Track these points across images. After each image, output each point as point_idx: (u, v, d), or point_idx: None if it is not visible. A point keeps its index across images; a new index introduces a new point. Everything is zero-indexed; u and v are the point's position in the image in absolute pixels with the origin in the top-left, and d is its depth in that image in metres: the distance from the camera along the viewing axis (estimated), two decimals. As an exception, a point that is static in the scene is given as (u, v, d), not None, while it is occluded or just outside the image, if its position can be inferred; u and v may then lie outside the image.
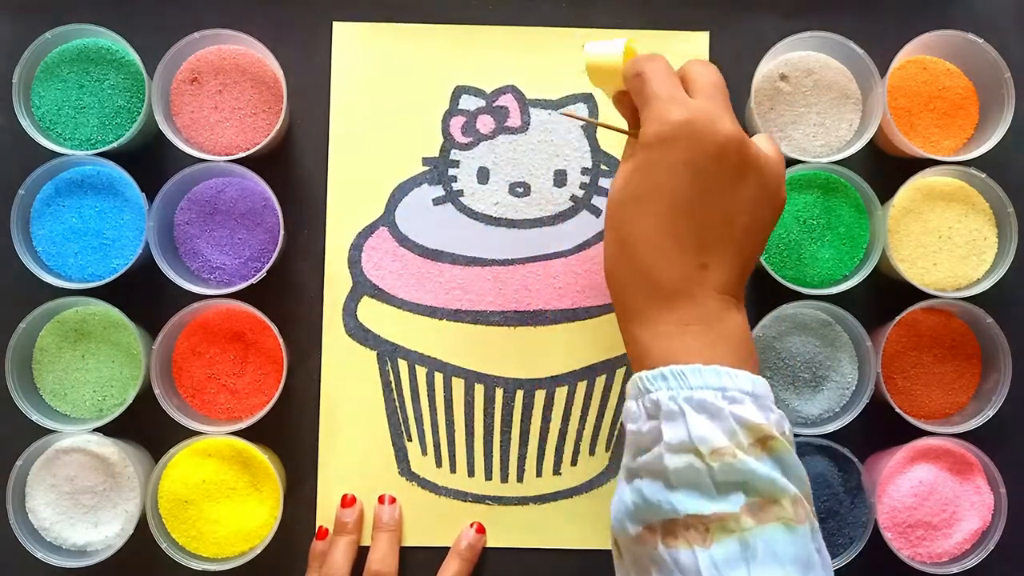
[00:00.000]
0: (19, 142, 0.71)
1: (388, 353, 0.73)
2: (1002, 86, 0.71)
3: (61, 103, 0.72)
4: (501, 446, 0.73)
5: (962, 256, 0.72)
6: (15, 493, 0.69)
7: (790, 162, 0.72)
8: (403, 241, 0.74)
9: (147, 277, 0.72)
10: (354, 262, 0.74)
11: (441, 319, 0.73)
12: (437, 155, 0.74)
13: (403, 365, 0.73)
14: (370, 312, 0.74)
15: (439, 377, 0.73)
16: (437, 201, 0.74)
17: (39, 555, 0.69)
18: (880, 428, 0.72)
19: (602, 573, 0.73)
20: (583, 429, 0.73)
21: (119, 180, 0.72)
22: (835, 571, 0.69)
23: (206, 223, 0.73)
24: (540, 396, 0.73)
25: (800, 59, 0.74)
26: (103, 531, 0.70)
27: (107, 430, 0.70)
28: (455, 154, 0.74)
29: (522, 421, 0.73)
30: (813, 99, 0.74)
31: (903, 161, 0.74)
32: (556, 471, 0.73)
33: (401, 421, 0.73)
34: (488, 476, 0.73)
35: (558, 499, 0.73)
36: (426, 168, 0.74)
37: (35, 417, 0.69)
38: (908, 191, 0.72)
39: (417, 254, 0.74)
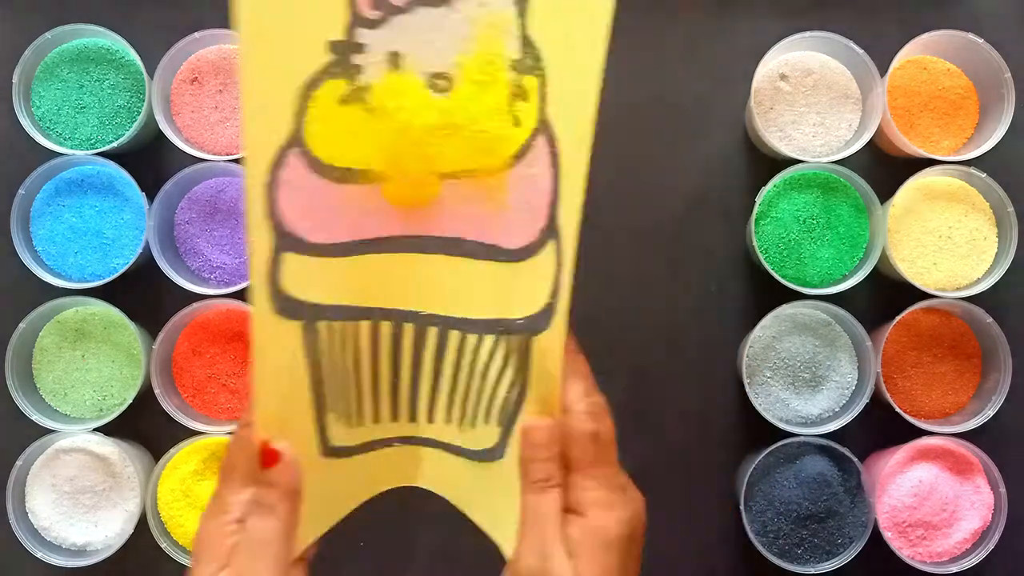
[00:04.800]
0: (19, 142, 0.71)
1: (310, 319, 0.56)
2: (1002, 86, 0.71)
3: (61, 103, 0.72)
4: (410, 384, 0.59)
5: (962, 256, 0.72)
6: (15, 493, 0.70)
7: (790, 162, 0.72)
8: (315, 165, 0.52)
9: (147, 277, 0.72)
10: (271, 210, 0.52)
11: (348, 255, 0.55)
12: (343, 37, 0.52)
13: (323, 328, 0.57)
14: (292, 274, 0.55)
15: (350, 329, 0.57)
16: (344, 100, 0.53)
17: (39, 555, 0.69)
18: (880, 428, 0.72)
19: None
20: (483, 387, 0.59)
21: (119, 180, 0.72)
22: (835, 571, 0.69)
23: (206, 223, 0.73)
24: (454, 338, 0.58)
25: (800, 59, 0.74)
26: (103, 531, 0.70)
27: (107, 430, 0.70)
28: (362, 34, 0.53)
29: (435, 360, 0.59)
30: (813, 99, 0.74)
31: (903, 161, 0.74)
32: (460, 423, 0.60)
33: (322, 397, 0.58)
34: (395, 417, 0.59)
35: (460, 455, 0.59)
36: (333, 56, 0.52)
37: (35, 417, 0.69)
38: (908, 191, 0.72)
39: (332, 180, 0.53)
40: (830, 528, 0.70)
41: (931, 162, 0.72)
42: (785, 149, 0.72)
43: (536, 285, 0.56)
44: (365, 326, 0.57)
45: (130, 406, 0.70)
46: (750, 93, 0.72)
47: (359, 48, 0.52)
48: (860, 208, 0.72)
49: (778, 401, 0.72)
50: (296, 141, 0.51)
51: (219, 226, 0.73)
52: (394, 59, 0.53)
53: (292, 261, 0.53)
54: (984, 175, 0.71)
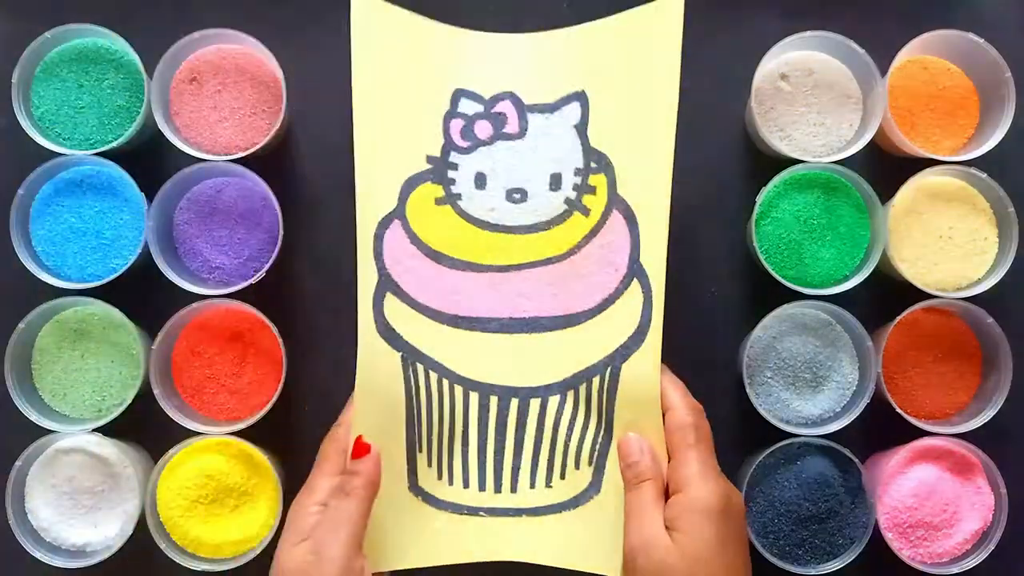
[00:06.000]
0: (19, 142, 0.71)
1: (409, 357, 0.69)
2: (1003, 86, 0.71)
3: (61, 103, 0.72)
4: (495, 455, 0.70)
5: (963, 256, 0.72)
6: (15, 493, 0.69)
7: (790, 162, 0.72)
8: (412, 238, 0.70)
9: (147, 277, 0.72)
10: (378, 254, 0.69)
11: (443, 324, 0.70)
12: (439, 155, 0.71)
13: (421, 370, 0.69)
14: (393, 311, 0.69)
15: (446, 384, 0.70)
16: (439, 202, 0.72)
17: (39, 555, 0.69)
18: (880, 428, 0.72)
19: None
20: (569, 440, 0.70)
21: (119, 180, 0.71)
22: (836, 572, 0.69)
23: (205, 223, 0.73)
24: (535, 405, 0.70)
25: (800, 59, 0.74)
26: (102, 531, 0.70)
27: (107, 430, 0.70)
28: (454, 156, 0.72)
29: (516, 430, 0.70)
30: (813, 99, 0.74)
31: (904, 161, 0.74)
32: (548, 483, 0.70)
33: (416, 431, 0.69)
34: (482, 487, 0.70)
35: (548, 513, 0.70)
36: (430, 166, 0.71)
37: (35, 417, 0.69)
38: (909, 191, 0.71)
39: (423, 253, 0.70)
40: (831, 529, 0.70)
41: (932, 162, 0.72)
42: (785, 149, 0.72)
43: (620, 322, 0.69)
44: (459, 391, 0.70)
45: (130, 406, 0.70)
46: (750, 93, 0.72)
47: (453, 166, 0.71)
48: (861, 208, 0.72)
49: (779, 402, 0.72)
50: (399, 214, 0.70)
51: (218, 226, 0.73)
52: (480, 178, 0.71)
53: (393, 301, 0.69)
54: (985, 175, 0.71)
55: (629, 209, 0.69)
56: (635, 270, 0.69)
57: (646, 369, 0.68)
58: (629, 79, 0.71)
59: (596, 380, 0.70)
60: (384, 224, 0.69)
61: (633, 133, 0.70)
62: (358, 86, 0.70)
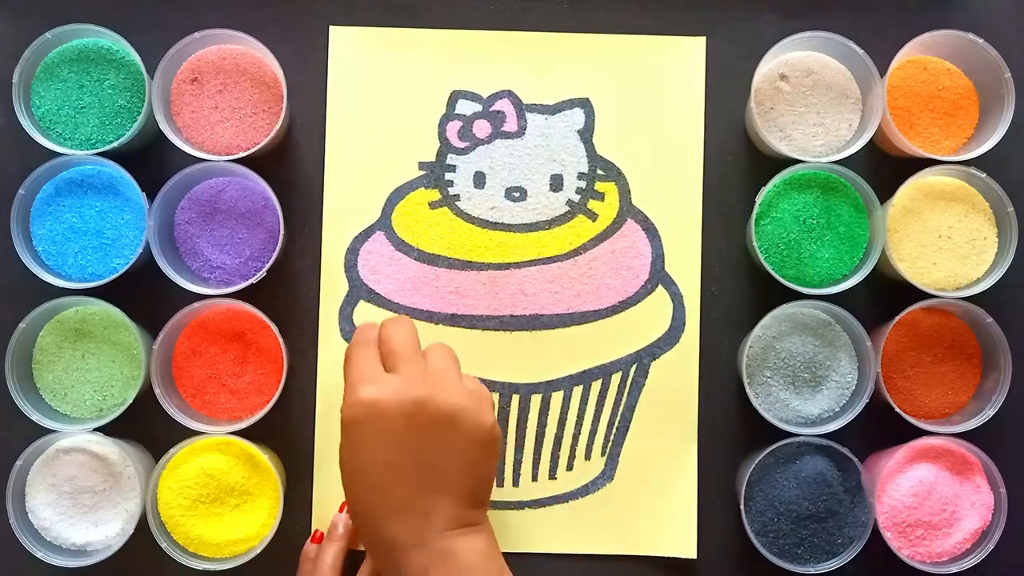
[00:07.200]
0: (19, 142, 0.71)
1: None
2: (1002, 86, 0.71)
3: (61, 103, 0.72)
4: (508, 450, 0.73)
5: (962, 256, 0.72)
6: (15, 493, 0.69)
7: (790, 162, 0.72)
8: (399, 246, 0.73)
9: (147, 277, 0.72)
10: (350, 266, 0.74)
11: (437, 324, 0.73)
12: (433, 159, 0.74)
13: None
14: (366, 317, 0.73)
15: None
16: (434, 205, 0.74)
17: (39, 555, 0.69)
18: (880, 428, 0.72)
19: None
20: (579, 434, 0.73)
21: (119, 180, 0.72)
22: (835, 571, 0.69)
23: (206, 223, 0.73)
24: (536, 400, 0.73)
25: (800, 59, 0.74)
26: (103, 531, 0.70)
27: (107, 430, 0.70)
28: (452, 159, 0.74)
29: (518, 426, 0.73)
30: (813, 99, 0.74)
31: (903, 161, 0.74)
32: (552, 476, 0.73)
33: None
34: (499, 483, 0.73)
35: (554, 504, 0.73)
36: (422, 172, 0.74)
37: (35, 417, 0.69)
38: (908, 191, 0.72)
39: (413, 259, 0.73)
40: (830, 528, 0.70)
41: (931, 162, 0.72)
42: (785, 149, 0.72)
43: (645, 323, 0.73)
44: None
45: (130, 406, 0.70)
46: (750, 93, 0.72)
47: (451, 168, 0.74)
48: (860, 208, 0.72)
49: (778, 401, 0.72)
50: (383, 225, 0.74)
51: (219, 226, 0.73)
52: (479, 177, 0.74)
53: (366, 308, 0.74)
54: (984, 175, 0.71)
55: (648, 220, 0.74)
56: (660, 277, 0.74)
57: (681, 368, 0.73)
58: (646, 102, 0.75)
59: (617, 375, 0.73)
60: (362, 238, 0.74)
61: (654, 153, 0.74)
62: (332, 119, 0.75)
